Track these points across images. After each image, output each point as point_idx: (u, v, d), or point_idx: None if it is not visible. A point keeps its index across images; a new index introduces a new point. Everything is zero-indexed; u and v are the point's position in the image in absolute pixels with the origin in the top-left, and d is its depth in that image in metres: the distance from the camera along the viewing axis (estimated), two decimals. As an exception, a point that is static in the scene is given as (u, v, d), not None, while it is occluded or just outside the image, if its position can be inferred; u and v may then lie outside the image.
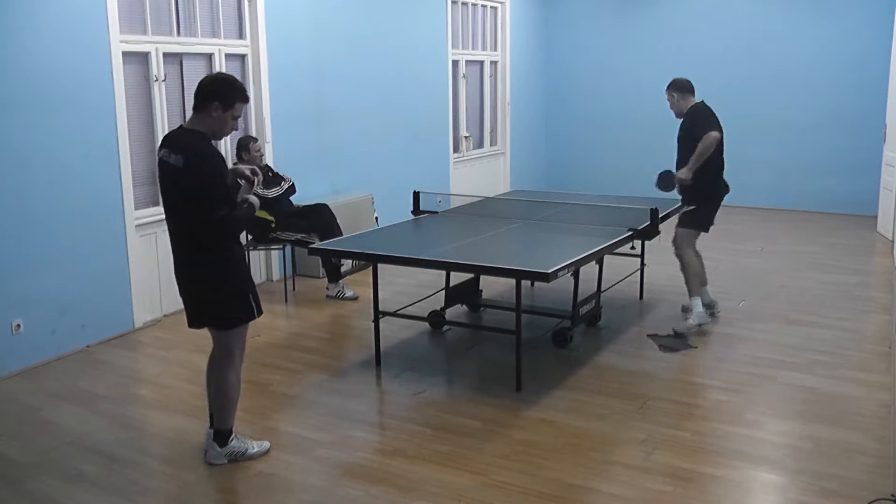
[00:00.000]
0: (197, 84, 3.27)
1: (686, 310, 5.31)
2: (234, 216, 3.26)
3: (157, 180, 3.53)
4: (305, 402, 4.23)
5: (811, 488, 3.22)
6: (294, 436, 3.81)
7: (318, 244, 4.98)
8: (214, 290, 3.32)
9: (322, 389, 4.37)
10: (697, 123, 5.13)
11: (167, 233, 3.47)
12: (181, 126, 3.33)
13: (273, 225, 5.83)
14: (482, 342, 5.04)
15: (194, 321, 3.42)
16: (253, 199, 3.38)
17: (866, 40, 8.73)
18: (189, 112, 3.41)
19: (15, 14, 4.48)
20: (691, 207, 5.25)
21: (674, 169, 5.25)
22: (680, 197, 5.35)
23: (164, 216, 3.40)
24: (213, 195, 3.17)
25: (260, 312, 3.42)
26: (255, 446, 3.55)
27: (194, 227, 3.24)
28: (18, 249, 4.58)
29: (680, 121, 5.31)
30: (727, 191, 5.39)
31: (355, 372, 4.61)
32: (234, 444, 3.50)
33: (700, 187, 5.15)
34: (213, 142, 3.33)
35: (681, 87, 5.33)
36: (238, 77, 6.09)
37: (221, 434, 3.49)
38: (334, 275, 6.05)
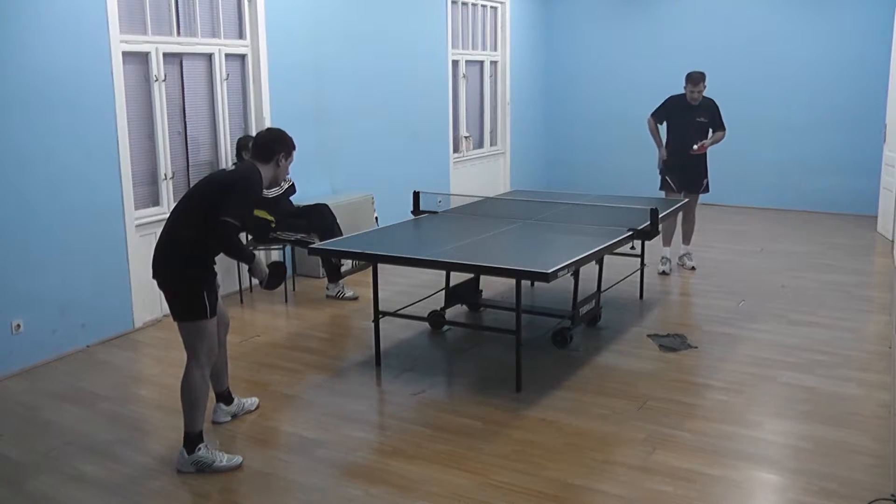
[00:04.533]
0: (257, 140, 3.71)
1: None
2: (235, 234, 3.42)
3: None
4: (305, 402, 4.23)
5: (811, 488, 3.22)
6: (294, 436, 3.81)
7: (318, 244, 4.98)
8: (174, 278, 3.44)
9: (322, 389, 4.37)
10: (718, 116, 6.69)
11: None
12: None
13: (273, 225, 5.85)
14: (482, 342, 5.04)
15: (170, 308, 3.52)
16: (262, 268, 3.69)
17: (866, 40, 8.72)
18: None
19: (15, 14, 4.48)
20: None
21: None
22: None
23: (163, 215, 3.49)
24: (234, 201, 3.38)
25: (213, 314, 3.47)
26: (224, 459, 3.45)
27: (199, 216, 3.39)
28: (18, 249, 4.58)
29: (683, 105, 6.62)
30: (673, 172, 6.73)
31: (355, 372, 4.61)
32: (202, 453, 3.42)
33: None
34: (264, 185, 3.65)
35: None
36: (238, 77, 6.17)
37: (189, 438, 3.43)
38: (334, 275, 6.05)
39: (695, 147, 6.53)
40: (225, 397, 3.91)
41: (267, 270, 3.70)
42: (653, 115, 6.79)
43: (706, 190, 6.81)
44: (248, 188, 3.47)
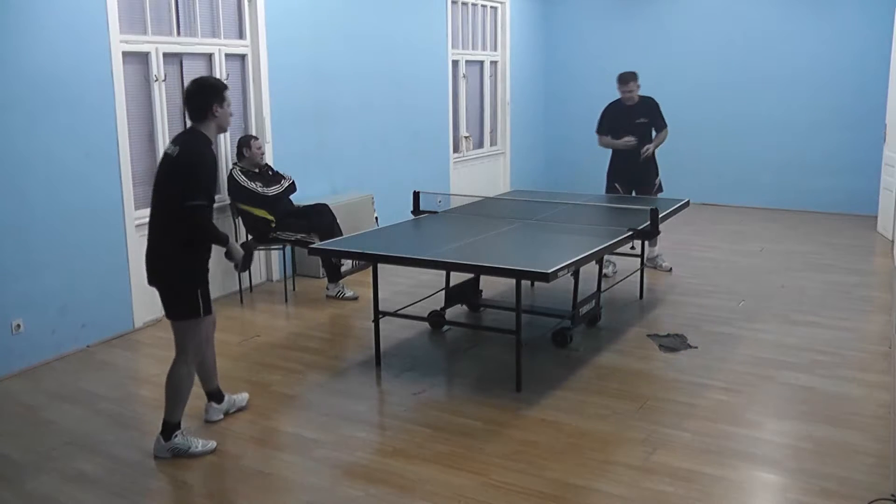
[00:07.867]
0: (186, 98, 3.53)
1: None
2: (206, 216, 3.42)
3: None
4: (305, 402, 4.23)
5: (811, 488, 3.22)
6: (294, 436, 3.81)
7: (318, 244, 4.98)
8: (168, 278, 3.52)
9: (322, 389, 4.37)
10: (659, 115, 6.51)
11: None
12: (189, 127, 3.56)
13: (273, 225, 5.85)
14: (482, 342, 5.04)
15: (164, 307, 3.59)
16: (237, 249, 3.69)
17: (866, 40, 8.72)
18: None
19: (15, 14, 4.48)
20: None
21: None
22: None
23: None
24: (193, 184, 3.36)
25: (208, 312, 3.55)
26: (199, 445, 3.56)
27: (168, 213, 3.43)
28: (18, 249, 4.58)
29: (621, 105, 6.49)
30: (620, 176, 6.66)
31: (355, 372, 4.61)
32: (178, 440, 3.53)
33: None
34: (212, 141, 3.57)
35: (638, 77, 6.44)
36: (238, 77, 6.16)
37: (167, 427, 3.53)
38: (334, 275, 6.05)
39: (642, 153, 6.38)
40: (215, 395, 3.93)
41: (242, 252, 3.71)
42: (597, 131, 6.62)
43: (660, 189, 6.59)
44: (198, 163, 3.39)
